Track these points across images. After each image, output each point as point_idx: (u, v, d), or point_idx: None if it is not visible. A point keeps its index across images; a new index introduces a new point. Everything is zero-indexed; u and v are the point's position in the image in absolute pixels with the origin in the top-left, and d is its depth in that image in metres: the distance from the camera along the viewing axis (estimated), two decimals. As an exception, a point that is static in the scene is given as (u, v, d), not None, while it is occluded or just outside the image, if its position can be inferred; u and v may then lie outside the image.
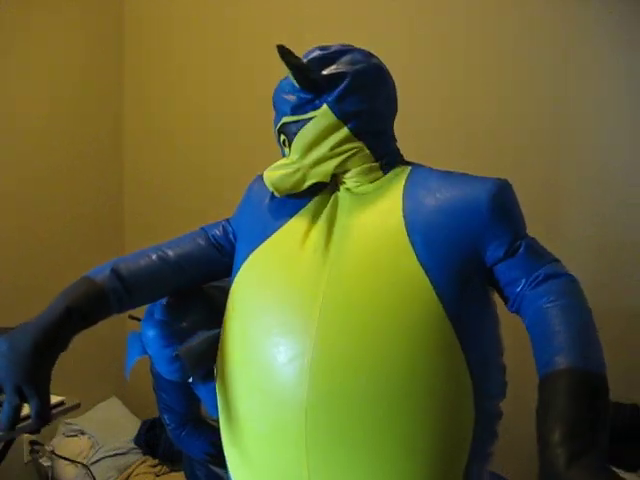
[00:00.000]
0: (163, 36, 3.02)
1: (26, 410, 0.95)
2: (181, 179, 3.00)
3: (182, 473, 2.00)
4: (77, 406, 2.12)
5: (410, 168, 1.11)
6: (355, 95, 1.07)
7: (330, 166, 1.09)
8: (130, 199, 3.13)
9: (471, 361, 0.98)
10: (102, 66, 2.99)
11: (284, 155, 1.15)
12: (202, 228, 1.27)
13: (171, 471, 2.59)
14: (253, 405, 1.04)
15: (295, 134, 1.10)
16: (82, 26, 2.86)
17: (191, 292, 1.26)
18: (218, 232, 1.24)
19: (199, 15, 2.93)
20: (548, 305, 0.92)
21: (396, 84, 1.17)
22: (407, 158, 1.17)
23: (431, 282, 0.96)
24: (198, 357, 1.21)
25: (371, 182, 1.09)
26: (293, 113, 1.09)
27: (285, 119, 1.11)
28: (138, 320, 1.35)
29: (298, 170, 1.10)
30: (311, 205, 1.11)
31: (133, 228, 3.11)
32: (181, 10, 2.97)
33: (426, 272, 0.96)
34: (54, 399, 2.03)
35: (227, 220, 1.26)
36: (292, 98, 1.09)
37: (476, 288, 1.00)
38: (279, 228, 1.11)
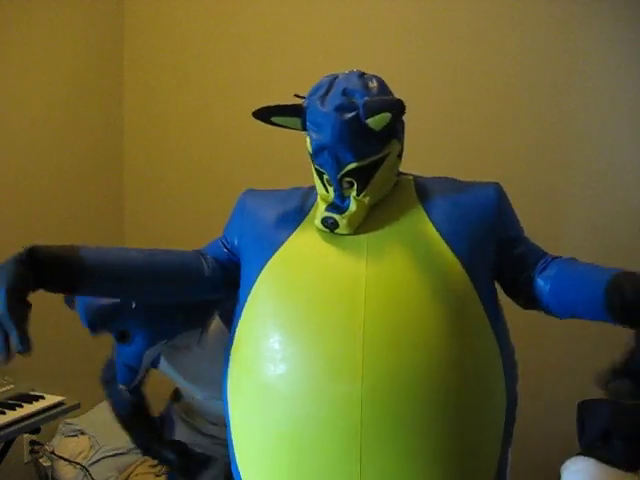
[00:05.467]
0: (163, 36, 3.01)
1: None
2: (181, 180, 2.99)
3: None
4: (77, 406, 2.12)
5: (411, 177, 1.16)
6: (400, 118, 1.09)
7: (388, 189, 1.12)
8: (130, 199, 3.13)
9: (501, 343, 1.04)
10: (102, 66, 2.98)
11: (326, 190, 1.09)
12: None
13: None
14: (305, 401, 1.02)
15: (368, 174, 1.06)
16: (82, 26, 2.85)
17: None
18: (217, 249, 1.22)
19: (200, 15, 2.93)
20: (570, 261, 1.06)
21: (396, 91, 1.16)
22: (403, 166, 1.19)
23: (465, 270, 1.03)
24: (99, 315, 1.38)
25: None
26: (363, 157, 1.05)
27: (354, 165, 1.04)
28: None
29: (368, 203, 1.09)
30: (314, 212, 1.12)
31: (133, 228, 3.11)
32: (182, 10, 2.96)
33: (462, 263, 1.03)
34: (54, 399, 2.03)
35: (224, 237, 1.24)
36: (359, 143, 1.04)
37: (492, 270, 1.09)
38: (292, 234, 1.11)
